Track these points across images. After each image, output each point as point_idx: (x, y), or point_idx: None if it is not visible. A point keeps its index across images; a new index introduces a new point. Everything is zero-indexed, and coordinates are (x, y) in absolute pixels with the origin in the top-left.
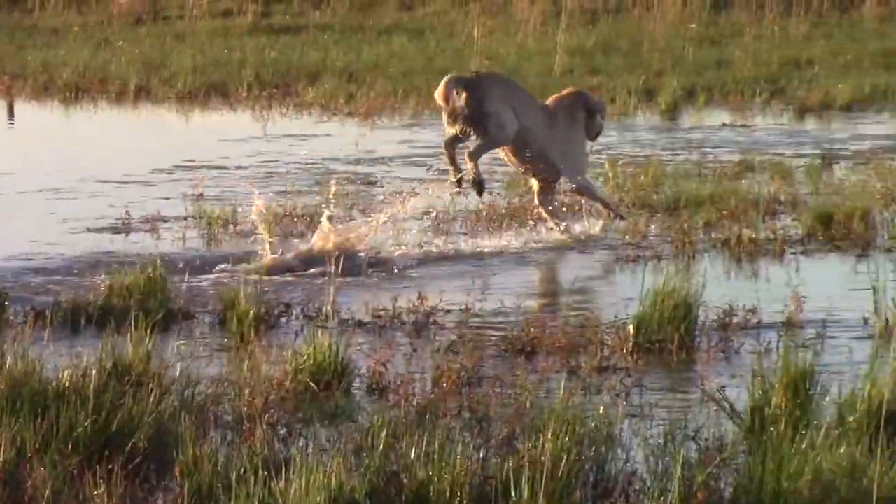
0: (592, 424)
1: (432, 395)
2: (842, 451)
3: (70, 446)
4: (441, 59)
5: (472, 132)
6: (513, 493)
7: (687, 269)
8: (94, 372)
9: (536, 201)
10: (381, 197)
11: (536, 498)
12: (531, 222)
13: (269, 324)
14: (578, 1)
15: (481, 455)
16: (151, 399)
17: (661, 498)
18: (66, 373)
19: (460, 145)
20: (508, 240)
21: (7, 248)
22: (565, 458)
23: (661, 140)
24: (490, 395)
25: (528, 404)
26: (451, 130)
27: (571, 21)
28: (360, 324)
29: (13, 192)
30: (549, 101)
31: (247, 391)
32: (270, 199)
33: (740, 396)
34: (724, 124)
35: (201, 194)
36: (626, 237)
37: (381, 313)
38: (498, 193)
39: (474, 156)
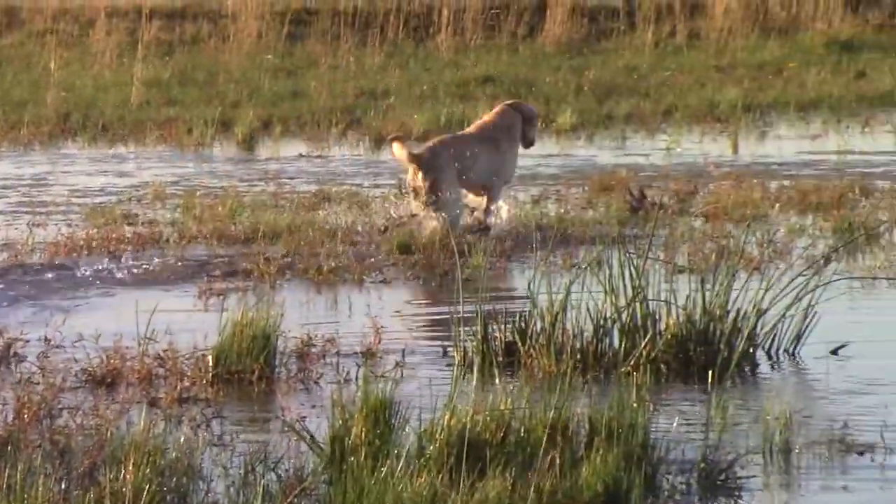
0: (174, 455)
1: (13, 427)
2: (422, 480)
3: None
4: (18, 91)
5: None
6: None
7: (267, 300)
8: None
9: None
10: None
11: None
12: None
13: None
14: (154, 33)
15: (62, 487)
16: None
17: None
18: None
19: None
20: (91, 271)
21: None
22: (147, 488)
23: (238, 171)
24: (71, 427)
25: (108, 435)
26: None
27: (148, 53)
28: None
29: None
30: (488, 120)
31: None
32: None
33: (321, 426)
34: (300, 155)
35: None
36: (214, 270)
37: None
38: (76, 225)
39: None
